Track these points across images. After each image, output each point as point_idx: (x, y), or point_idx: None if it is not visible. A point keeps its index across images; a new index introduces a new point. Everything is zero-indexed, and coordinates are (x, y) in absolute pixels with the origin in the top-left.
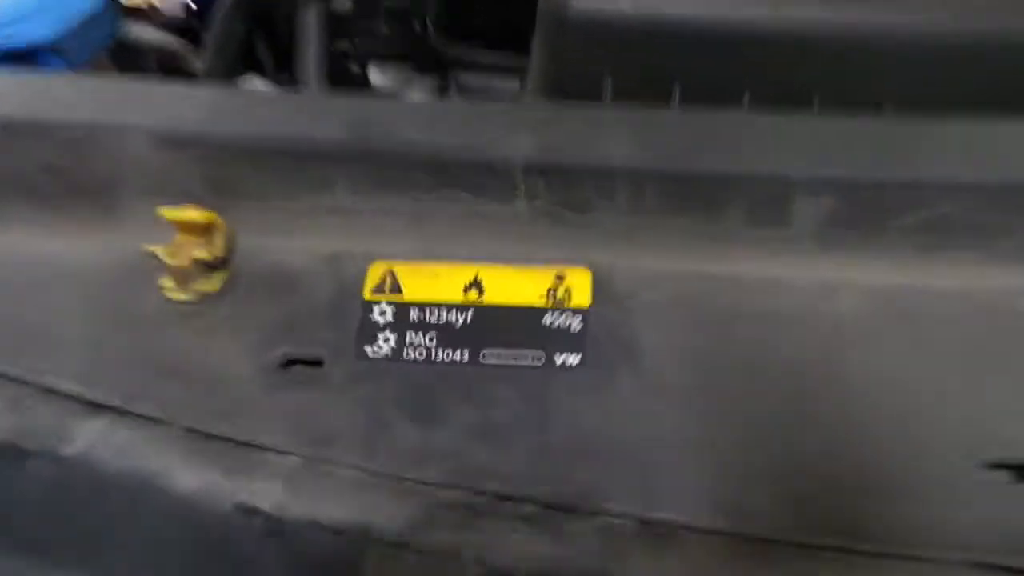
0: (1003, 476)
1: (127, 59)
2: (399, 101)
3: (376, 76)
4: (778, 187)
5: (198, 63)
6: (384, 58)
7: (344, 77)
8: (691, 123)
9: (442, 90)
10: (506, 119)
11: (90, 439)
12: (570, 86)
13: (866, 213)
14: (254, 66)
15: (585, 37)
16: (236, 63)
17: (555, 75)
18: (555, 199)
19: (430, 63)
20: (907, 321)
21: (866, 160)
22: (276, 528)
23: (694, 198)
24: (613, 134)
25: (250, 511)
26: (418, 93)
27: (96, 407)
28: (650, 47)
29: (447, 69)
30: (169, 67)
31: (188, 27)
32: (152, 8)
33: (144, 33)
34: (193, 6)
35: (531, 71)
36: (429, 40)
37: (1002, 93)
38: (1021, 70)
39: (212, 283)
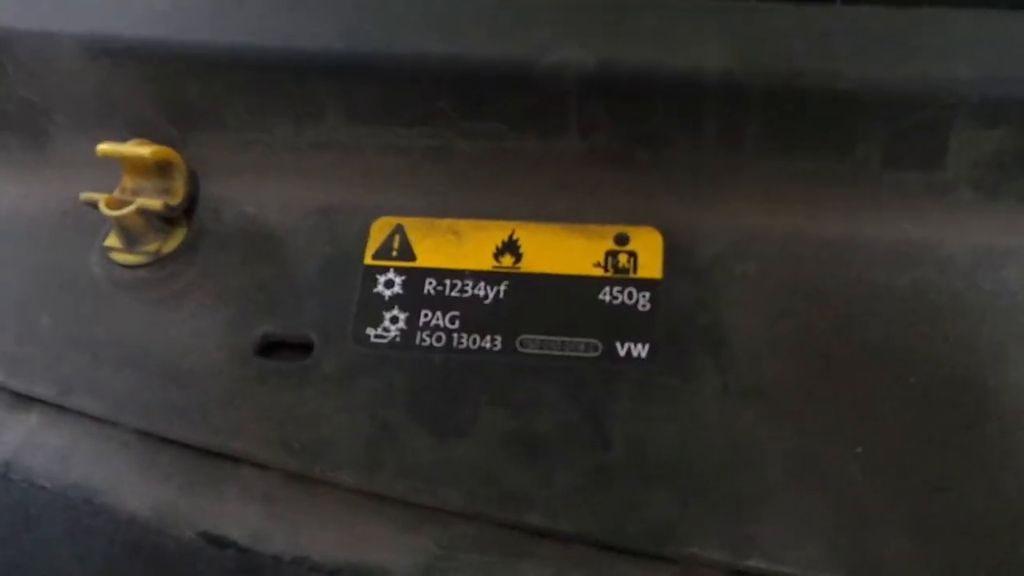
0: None
1: None
2: None
3: None
4: (938, 110)
5: None
6: None
7: None
8: (809, 20)
9: None
10: (552, 16)
11: (14, 442)
12: None
13: None
14: None
15: None
16: None
17: None
18: (619, 131)
19: None
20: None
21: None
22: (251, 565)
23: (816, 127)
24: (703, 33)
25: (219, 541)
26: None
27: (23, 400)
28: None
29: None
30: None
31: None
32: None
33: None
34: None
35: None
36: None
37: None
38: None
39: (169, 242)
